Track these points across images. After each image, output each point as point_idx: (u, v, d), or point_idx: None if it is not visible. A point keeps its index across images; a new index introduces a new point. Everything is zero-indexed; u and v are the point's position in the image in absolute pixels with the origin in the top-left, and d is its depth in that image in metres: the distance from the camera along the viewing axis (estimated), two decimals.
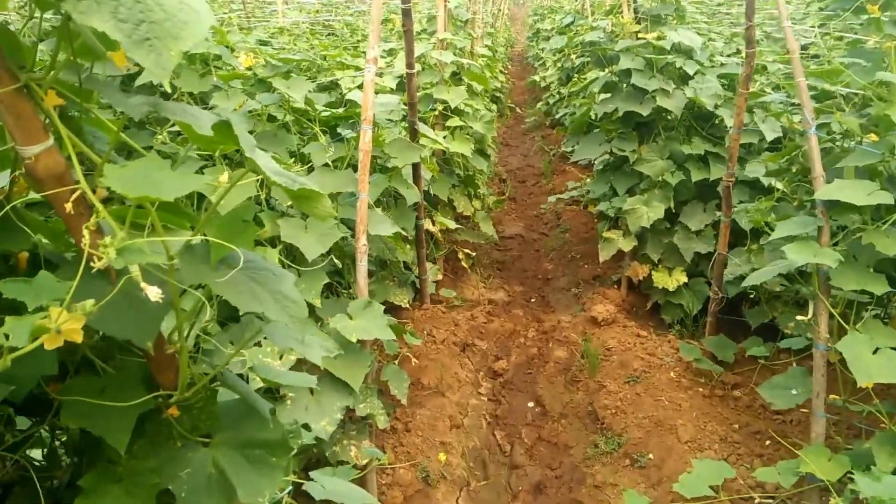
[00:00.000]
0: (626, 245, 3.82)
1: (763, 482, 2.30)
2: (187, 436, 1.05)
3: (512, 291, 4.43)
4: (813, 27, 2.70)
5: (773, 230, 3.13)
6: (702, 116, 3.79)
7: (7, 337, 0.69)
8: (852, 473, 2.01)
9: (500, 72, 8.83)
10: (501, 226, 5.54)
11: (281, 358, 2.06)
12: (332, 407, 2.09)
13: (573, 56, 6.71)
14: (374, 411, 2.27)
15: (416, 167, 3.35)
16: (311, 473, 1.66)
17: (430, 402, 2.87)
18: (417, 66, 3.82)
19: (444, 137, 3.99)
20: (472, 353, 3.51)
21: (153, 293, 0.75)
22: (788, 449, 2.64)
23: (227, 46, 3.00)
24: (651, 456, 2.58)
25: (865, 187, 2.16)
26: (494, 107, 6.91)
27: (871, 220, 2.22)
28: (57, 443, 1.13)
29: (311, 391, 2.12)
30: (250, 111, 2.71)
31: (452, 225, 3.99)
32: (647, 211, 3.72)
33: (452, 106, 4.05)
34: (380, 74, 3.78)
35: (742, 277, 3.28)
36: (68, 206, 0.81)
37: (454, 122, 4.12)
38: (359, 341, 2.22)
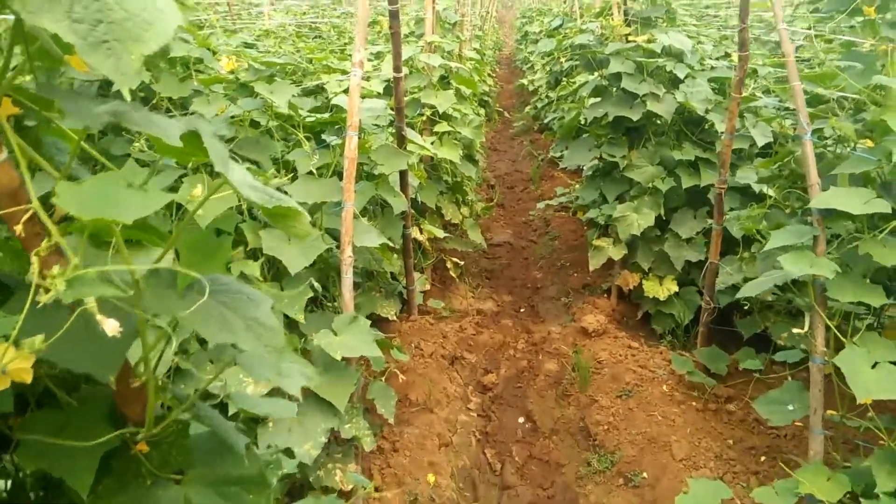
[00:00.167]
0: (617, 253, 3.77)
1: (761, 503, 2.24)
2: (157, 473, 0.97)
3: (501, 301, 4.36)
4: (809, 28, 2.66)
5: (765, 238, 3.10)
6: (692, 121, 3.75)
7: None
8: (851, 493, 1.97)
9: (489, 75, 8.79)
10: (490, 233, 5.48)
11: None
12: (317, 429, 2.01)
13: (562, 59, 6.67)
14: (360, 433, 2.19)
15: (403, 174, 3.27)
16: None
17: (419, 420, 2.79)
18: (405, 70, 3.74)
19: (432, 143, 3.92)
20: (460, 366, 3.44)
21: (110, 327, 0.67)
22: (785, 465, 2.60)
23: (209, 49, 2.91)
24: (645, 475, 2.51)
25: (861, 195, 2.12)
26: (483, 111, 6.86)
27: (868, 228, 2.17)
28: (22, 475, 1.05)
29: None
30: (232, 117, 2.62)
31: (441, 234, 3.92)
32: (637, 218, 3.67)
33: (440, 110, 3.98)
34: (367, 78, 3.70)
35: (734, 287, 3.24)
36: (18, 228, 0.73)
37: (442, 127, 4.05)
38: (344, 359, 2.14)
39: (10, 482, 1.00)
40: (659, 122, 3.83)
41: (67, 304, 0.70)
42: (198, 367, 1.85)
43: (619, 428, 2.76)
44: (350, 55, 2.67)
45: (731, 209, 3.36)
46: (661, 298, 3.59)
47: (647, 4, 3.89)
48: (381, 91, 3.65)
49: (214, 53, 2.92)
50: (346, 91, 2.80)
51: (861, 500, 1.88)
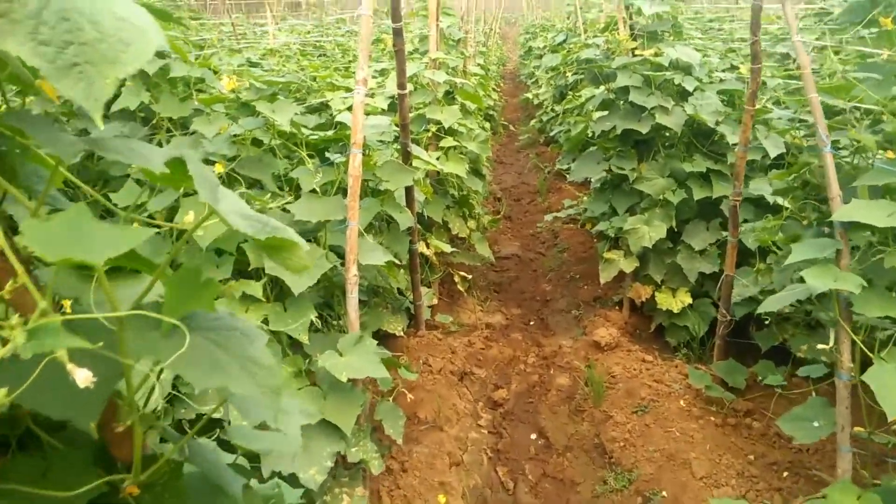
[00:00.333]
0: (628, 266, 3.70)
1: None
2: None
3: (510, 314, 4.28)
4: (821, 37, 2.60)
5: (780, 249, 3.02)
6: (702, 133, 3.69)
7: None
8: None
9: (493, 89, 8.77)
10: (497, 245, 5.41)
11: None
12: (322, 453, 1.94)
13: (568, 74, 6.64)
14: (368, 456, 2.12)
15: (409, 190, 3.22)
16: None
17: (428, 438, 2.71)
18: (410, 86, 3.71)
19: (438, 158, 3.87)
20: (470, 381, 3.36)
21: (82, 378, 0.61)
22: (808, 480, 2.50)
23: (210, 69, 2.88)
24: (664, 494, 2.42)
25: (884, 207, 2.04)
26: (488, 125, 6.82)
27: (892, 241, 2.09)
28: None
29: None
30: (234, 135, 2.59)
31: (448, 248, 3.86)
32: (648, 231, 3.60)
33: (446, 126, 3.94)
34: (371, 95, 3.67)
35: (751, 299, 3.16)
36: None
37: (448, 142, 4.01)
38: (350, 380, 2.07)
39: None
40: (668, 134, 3.77)
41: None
42: (195, 396, 1.79)
43: (635, 445, 2.67)
44: (354, 73, 2.63)
45: (745, 220, 3.29)
46: (675, 311, 3.51)
47: (653, 19, 3.85)
48: (385, 107, 3.61)
49: (216, 73, 2.89)
50: (349, 108, 2.76)
51: None
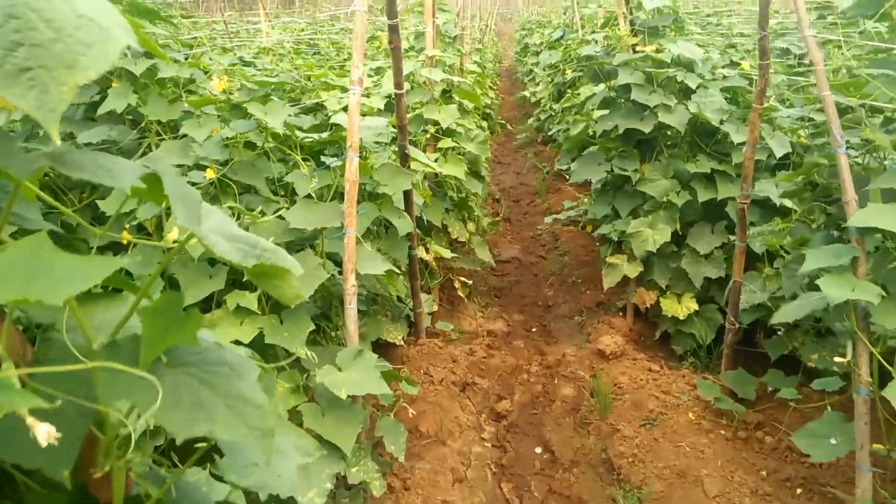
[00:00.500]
0: (632, 271, 3.61)
1: None
2: None
3: (511, 321, 4.19)
4: (821, 31, 2.51)
5: (788, 254, 2.94)
6: (706, 132, 3.60)
7: None
8: None
9: (490, 87, 8.68)
10: (497, 248, 5.32)
11: None
12: (321, 475, 1.84)
13: (567, 71, 6.56)
14: (369, 476, 2.02)
15: (408, 194, 3.12)
16: None
17: (430, 454, 2.62)
18: (406, 85, 3.61)
19: (437, 160, 3.78)
20: (472, 392, 3.27)
21: (43, 434, 0.52)
22: (823, 497, 2.42)
23: (200, 69, 2.78)
24: None
25: None
26: (485, 124, 6.73)
27: None
28: None
29: None
30: (226, 139, 2.49)
31: (448, 253, 3.77)
32: (652, 234, 3.51)
33: (444, 126, 3.85)
34: (367, 94, 3.57)
35: (758, 306, 3.07)
36: None
37: (446, 143, 3.91)
38: (350, 396, 1.98)
39: None
40: (670, 133, 3.69)
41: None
42: None
43: (644, 460, 2.58)
44: (349, 71, 2.54)
45: (751, 223, 3.20)
46: (681, 317, 3.42)
47: (654, 14, 3.76)
48: (382, 107, 3.52)
49: (207, 73, 2.79)
50: (345, 109, 2.66)
51: None
